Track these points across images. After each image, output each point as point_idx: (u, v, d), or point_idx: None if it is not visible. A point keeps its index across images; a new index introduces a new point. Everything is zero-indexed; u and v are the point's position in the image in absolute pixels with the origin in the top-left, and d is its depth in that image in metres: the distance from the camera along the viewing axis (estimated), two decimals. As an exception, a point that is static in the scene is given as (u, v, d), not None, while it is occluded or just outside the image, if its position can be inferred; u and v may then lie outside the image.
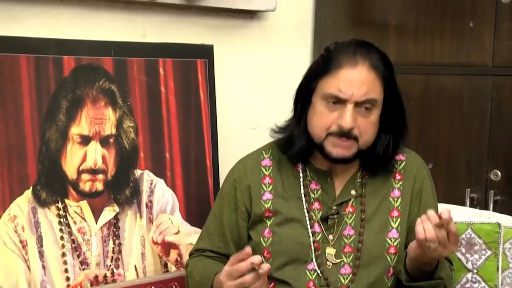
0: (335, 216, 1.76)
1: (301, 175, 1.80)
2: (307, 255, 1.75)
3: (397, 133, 1.78)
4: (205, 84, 2.24)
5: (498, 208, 2.38)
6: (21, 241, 1.88)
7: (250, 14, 2.47)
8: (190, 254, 1.91)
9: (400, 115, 1.78)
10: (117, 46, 2.07)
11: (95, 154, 1.99)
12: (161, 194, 2.14)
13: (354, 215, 1.77)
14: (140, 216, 2.10)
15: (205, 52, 2.24)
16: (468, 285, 1.96)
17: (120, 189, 2.06)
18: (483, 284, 1.96)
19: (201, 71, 2.23)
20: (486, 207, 2.42)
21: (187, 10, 2.32)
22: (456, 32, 2.52)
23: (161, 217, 2.13)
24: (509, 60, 2.47)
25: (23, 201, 1.89)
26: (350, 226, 1.77)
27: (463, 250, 1.97)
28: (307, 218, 1.77)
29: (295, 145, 1.77)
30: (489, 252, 1.97)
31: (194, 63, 2.22)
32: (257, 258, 1.54)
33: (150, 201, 2.12)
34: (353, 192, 1.79)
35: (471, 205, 2.43)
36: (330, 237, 1.76)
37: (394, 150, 1.79)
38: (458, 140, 2.54)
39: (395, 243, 1.76)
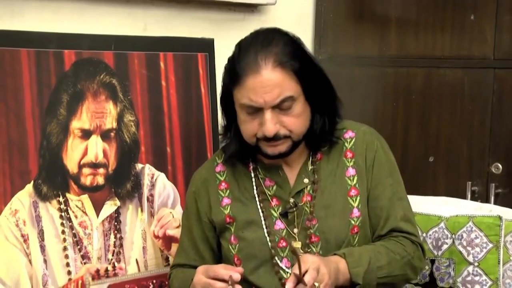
0: (294, 209, 1.74)
1: (252, 174, 1.79)
2: (275, 255, 1.73)
3: (330, 108, 1.74)
4: (206, 78, 2.24)
5: (499, 201, 2.37)
6: (22, 235, 1.89)
7: (250, 8, 2.48)
8: (171, 267, 1.91)
9: (326, 89, 1.73)
10: (117, 40, 2.07)
11: (96, 148, 2.00)
12: (162, 188, 2.14)
13: (312, 203, 1.74)
14: (141, 210, 2.10)
15: (206, 46, 2.24)
16: (469, 278, 1.96)
17: (121, 183, 2.06)
18: (484, 277, 1.96)
19: (202, 64, 2.23)
20: (487, 200, 2.42)
21: (187, 3, 2.33)
22: (457, 25, 2.51)
23: (162, 211, 2.14)
24: (510, 53, 2.45)
25: (24, 195, 1.89)
26: (311, 216, 1.73)
27: (464, 243, 1.98)
28: (262, 218, 1.74)
29: (230, 148, 1.77)
30: (490, 245, 1.96)
31: (195, 57, 2.22)
32: (236, 276, 1.57)
33: (151, 195, 2.12)
34: (305, 180, 1.75)
35: (472, 198, 2.42)
36: (295, 230, 1.73)
37: (331, 125, 1.75)
38: (459, 133, 2.53)
39: (357, 223, 1.73)
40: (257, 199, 1.77)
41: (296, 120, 1.67)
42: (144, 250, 2.09)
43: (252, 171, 1.79)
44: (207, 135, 2.24)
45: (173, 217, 2.14)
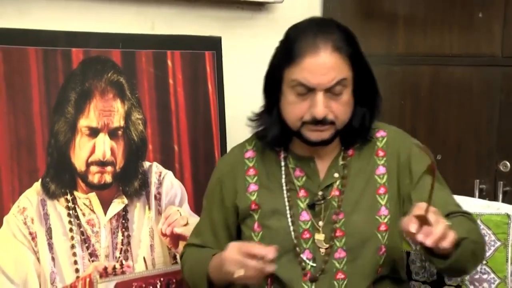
0: (322, 201, 1.75)
1: (282, 163, 1.79)
2: (298, 245, 1.73)
3: (371, 104, 1.76)
4: (213, 76, 2.24)
5: (508, 199, 2.38)
6: (30, 233, 1.89)
7: (258, 6, 2.48)
8: (184, 246, 1.91)
9: (371, 85, 1.75)
10: (125, 38, 2.07)
11: (104, 146, 2.00)
12: (169, 186, 2.14)
13: (340, 198, 1.75)
14: (149, 208, 2.10)
15: (213, 44, 2.25)
16: (477, 276, 1.96)
17: (129, 181, 2.06)
18: (492, 275, 1.95)
19: (209, 63, 2.23)
20: (495, 198, 2.42)
21: (195, 2, 2.34)
22: (465, 23, 2.52)
23: (170, 209, 2.14)
24: None
25: (32, 193, 1.90)
26: (338, 210, 1.74)
27: (472, 242, 1.98)
28: (288, 208, 1.75)
29: (269, 134, 1.76)
30: (498, 243, 1.96)
31: (202, 55, 2.22)
32: (272, 255, 1.55)
33: (159, 193, 2.13)
34: (336, 174, 1.77)
35: (480, 196, 2.42)
36: (320, 223, 1.74)
37: (371, 120, 1.77)
38: (467, 131, 2.54)
39: (385, 220, 1.74)
40: (284, 188, 1.77)
41: (343, 108, 1.69)
42: (151, 248, 2.09)
43: (282, 160, 1.80)
44: (215, 133, 2.25)
45: (180, 215, 2.15)
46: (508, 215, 1.97)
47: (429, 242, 1.43)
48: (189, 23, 2.31)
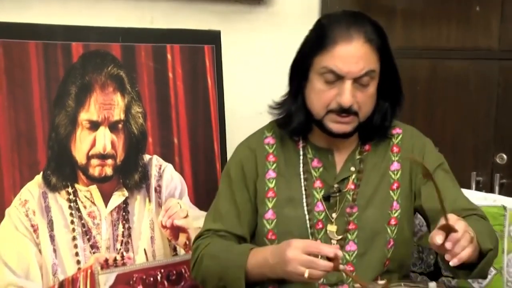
0: (337, 194, 1.76)
1: (301, 152, 1.80)
2: (311, 235, 1.74)
3: (393, 101, 1.78)
4: (213, 70, 2.23)
5: (504, 191, 2.39)
6: (32, 225, 1.89)
7: (256, 0, 2.48)
8: (198, 236, 1.83)
9: (396, 82, 1.77)
10: (125, 32, 2.07)
11: (104, 139, 2.00)
12: (169, 178, 2.14)
13: (355, 191, 1.76)
14: (149, 201, 2.10)
15: (213, 38, 2.24)
16: (473, 267, 1.97)
17: (129, 174, 2.07)
18: (488, 266, 1.97)
19: (209, 56, 2.23)
20: (492, 190, 2.43)
21: None
22: (463, 17, 2.52)
23: (170, 201, 2.14)
24: None
25: (34, 186, 1.90)
26: (353, 203, 1.75)
27: (469, 233, 1.98)
28: (304, 197, 1.76)
29: (294, 121, 1.76)
30: (494, 235, 1.97)
31: (201, 49, 2.22)
32: (340, 253, 1.54)
33: (159, 186, 2.12)
34: (352, 168, 1.78)
35: (477, 188, 2.43)
36: (334, 215, 1.75)
37: (392, 117, 1.79)
38: (464, 124, 2.55)
39: (395, 215, 1.76)
40: (301, 176, 1.78)
41: (368, 99, 1.71)
42: (152, 240, 2.09)
43: (301, 149, 1.80)
44: (214, 126, 2.24)
45: (180, 207, 2.14)
46: (504, 207, 1.98)
47: (453, 263, 1.44)
48: (188, 17, 2.31)
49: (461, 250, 1.45)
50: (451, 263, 1.45)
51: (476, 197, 2.02)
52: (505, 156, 2.47)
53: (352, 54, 1.65)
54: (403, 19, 2.57)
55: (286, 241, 1.60)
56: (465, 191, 1.97)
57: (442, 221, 1.45)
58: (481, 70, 2.52)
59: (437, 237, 1.44)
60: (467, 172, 2.45)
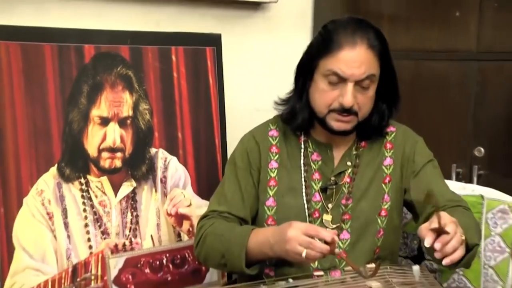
0: (334, 186, 1.79)
1: (302, 146, 1.83)
2: (308, 223, 1.76)
3: (391, 102, 1.81)
4: (214, 70, 2.25)
5: (482, 182, 2.42)
6: (47, 213, 1.93)
7: (254, 6, 2.49)
8: (203, 217, 1.83)
9: (394, 86, 1.80)
10: (133, 35, 2.09)
11: (114, 134, 2.04)
12: (174, 170, 2.17)
13: (351, 185, 1.80)
14: (155, 190, 2.13)
15: (214, 41, 2.26)
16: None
17: (137, 166, 2.09)
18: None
19: (210, 58, 2.24)
20: (470, 181, 2.47)
21: (197, 1, 2.35)
22: (444, 21, 2.54)
23: (174, 191, 2.17)
24: (492, 46, 2.50)
25: (49, 177, 1.94)
26: (348, 195, 1.79)
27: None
28: (304, 187, 1.79)
29: (298, 117, 1.79)
30: (473, 222, 1.98)
31: (203, 51, 2.23)
32: (337, 238, 1.55)
33: (164, 177, 2.15)
34: (348, 163, 1.81)
35: (457, 179, 2.47)
36: (329, 205, 1.79)
37: (389, 118, 1.82)
38: (445, 120, 2.56)
39: (385, 206, 1.80)
40: (302, 168, 1.81)
41: (368, 101, 1.75)
42: (158, 227, 2.11)
43: (302, 143, 1.83)
44: (215, 122, 2.26)
45: (184, 196, 2.18)
46: (482, 196, 2.06)
47: (445, 262, 1.47)
48: (191, 21, 2.33)
49: (452, 250, 1.47)
50: (443, 263, 1.47)
51: (456, 187, 2.06)
52: (482, 150, 2.50)
53: (355, 59, 1.69)
54: (389, 23, 2.59)
55: (287, 222, 1.62)
56: (446, 181, 2.00)
57: (435, 223, 1.47)
58: (461, 70, 2.55)
59: (427, 239, 1.46)
60: (448, 164, 2.47)
